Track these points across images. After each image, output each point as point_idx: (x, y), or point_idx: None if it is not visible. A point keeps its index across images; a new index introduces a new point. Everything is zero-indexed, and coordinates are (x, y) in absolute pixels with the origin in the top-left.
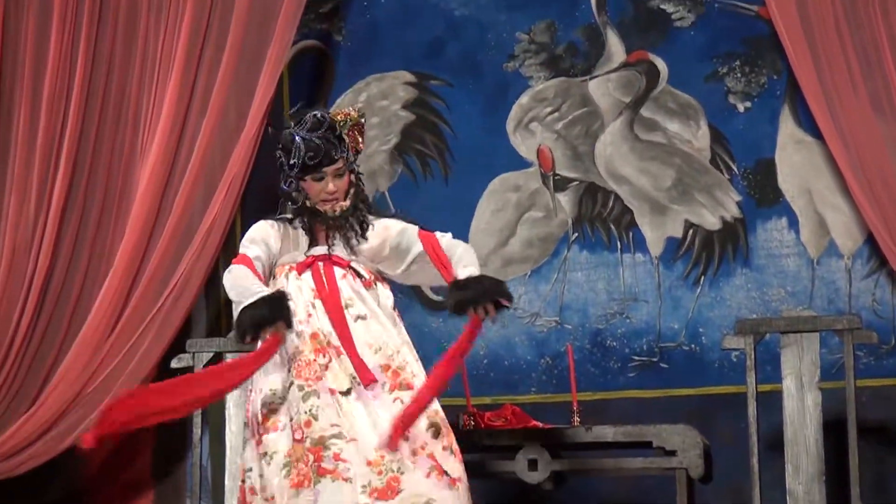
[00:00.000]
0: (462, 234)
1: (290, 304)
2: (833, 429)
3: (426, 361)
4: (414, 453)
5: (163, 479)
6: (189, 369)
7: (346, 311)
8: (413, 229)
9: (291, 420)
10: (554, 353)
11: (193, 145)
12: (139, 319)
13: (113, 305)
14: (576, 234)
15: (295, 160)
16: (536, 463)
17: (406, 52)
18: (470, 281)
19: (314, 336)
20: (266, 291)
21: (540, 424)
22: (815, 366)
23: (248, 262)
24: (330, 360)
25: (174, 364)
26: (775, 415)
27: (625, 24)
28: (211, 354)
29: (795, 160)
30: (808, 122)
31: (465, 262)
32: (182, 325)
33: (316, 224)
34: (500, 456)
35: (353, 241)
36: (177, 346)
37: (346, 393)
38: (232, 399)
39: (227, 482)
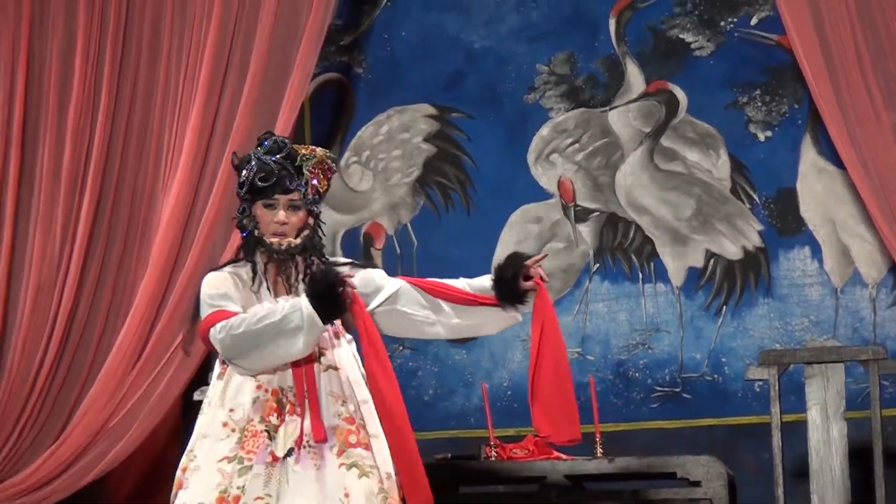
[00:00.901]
0: (484, 265)
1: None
2: (859, 459)
3: (451, 393)
4: None
5: None
6: None
7: (316, 363)
8: (377, 271)
9: (226, 493)
10: (576, 385)
11: (215, 178)
12: (162, 352)
13: (136, 339)
14: (597, 265)
15: (244, 179)
16: (559, 494)
17: (427, 84)
18: (500, 268)
19: (274, 393)
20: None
21: (563, 456)
22: (841, 396)
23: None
24: (281, 422)
25: (196, 396)
26: (799, 444)
27: (644, 55)
28: None
29: (818, 189)
30: (829, 151)
31: (466, 279)
32: (204, 357)
33: (265, 262)
34: (524, 487)
35: (294, 281)
36: (199, 379)
37: (287, 455)
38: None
39: None
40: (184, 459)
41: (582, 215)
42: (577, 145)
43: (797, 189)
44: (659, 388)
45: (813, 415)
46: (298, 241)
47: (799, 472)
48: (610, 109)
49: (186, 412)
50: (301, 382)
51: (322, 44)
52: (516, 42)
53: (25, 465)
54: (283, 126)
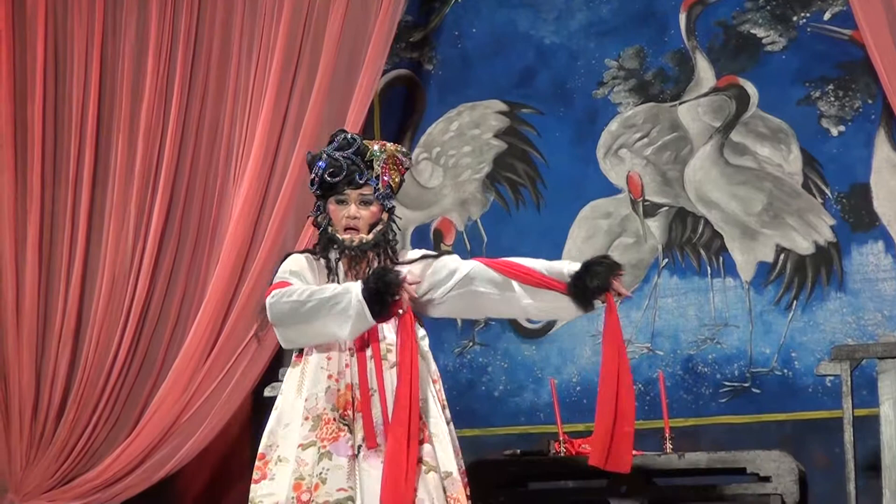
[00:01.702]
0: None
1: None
2: None
3: (520, 389)
4: None
5: None
6: None
7: (383, 361)
8: (451, 257)
9: (302, 479)
10: (646, 380)
11: (285, 174)
12: (233, 348)
13: (207, 334)
14: (666, 260)
15: (314, 175)
16: (629, 490)
17: (497, 80)
18: (586, 270)
19: (349, 388)
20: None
21: (632, 451)
22: None
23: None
24: (354, 418)
25: (267, 393)
26: (871, 439)
27: (714, 49)
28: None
29: (892, 184)
30: None
31: (546, 261)
32: (275, 353)
33: (341, 257)
34: (592, 483)
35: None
36: (270, 375)
37: (358, 451)
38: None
39: None
40: (262, 448)
41: (651, 210)
42: (645, 140)
43: (870, 184)
44: (728, 383)
45: (886, 410)
46: (370, 236)
47: (870, 468)
48: (679, 104)
49: (257, 409)
50: (366, 380)
51: (392, 41)
52: (586, 38)
53: (99, 461)
54: (352, 123)
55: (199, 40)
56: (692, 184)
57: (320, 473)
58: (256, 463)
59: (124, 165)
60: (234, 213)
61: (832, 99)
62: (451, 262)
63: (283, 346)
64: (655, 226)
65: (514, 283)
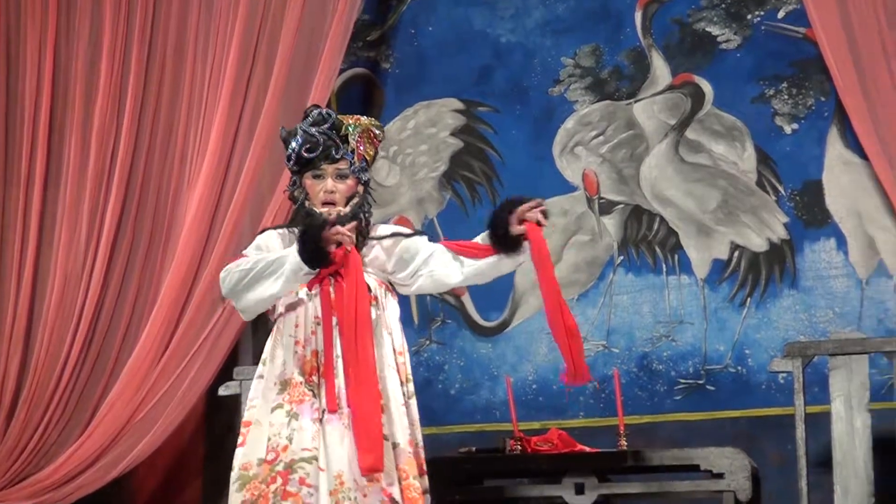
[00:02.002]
0: None
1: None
2: (882, 450)
3: (476, 387)
4: (370, 482)
5: None
6: (236, 397)
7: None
8: (421, 238)
9: (269, 440)
10: (601, 377)
11: (240, 174)
12: (187, 347)
13: (161, 334)
14: (621, 258)
15: (291, 152)
16: (583, 487)
17: (453, 79)
18: (496, 213)
19: (314, 354)
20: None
21: (587, 448)
22: (865, 388)
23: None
24: (319, 383)
25: (221, 392)
26: (823, 436)
27: (670, 47)
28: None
29: (844, 181)
30: (855, 144)
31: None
32: (229, 353)
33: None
34: (547, 480)
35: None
36: (224, 374)
37: (324, 413)
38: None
39: None
40: (245, 416)
41: (606, 208)
42: (601, 138)
43: (823, 181)
44: (683, 381)
45: (837, 406)
46: (347, 209)
47: (822, 464)
48: (635, 102)
49: (211, 408)
50: (331, 347)
51: (349, 39)
52: (542, 35)
53: (51, 461)
54: None
55: (153, 40)
56: (648, 181)
57: (288, 435)
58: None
59: (77, 166)
60: (189, 214)
61: (786, 97)
62: (418, 243)
63: (244, 318)
64: (611, 223)
65: (466, 260)
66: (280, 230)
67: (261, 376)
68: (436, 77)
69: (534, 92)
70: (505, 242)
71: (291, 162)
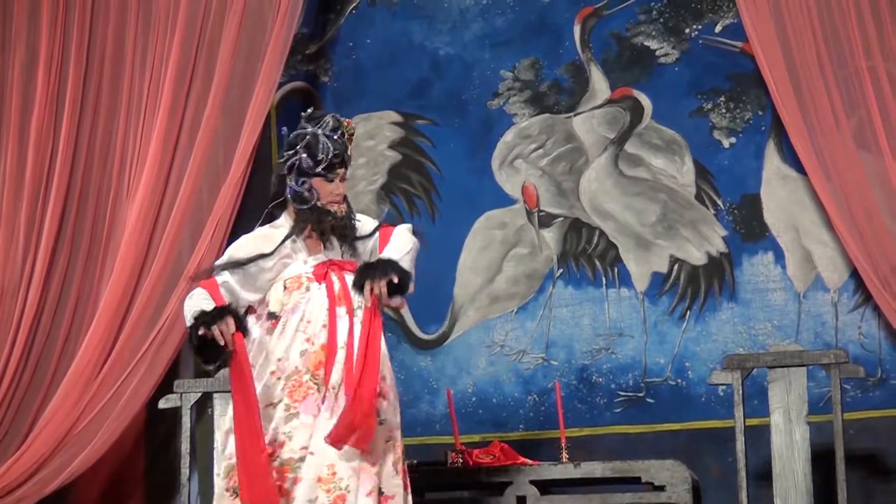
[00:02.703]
0: (449, 272)
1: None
2: (821, 462)
3: (416, 400)
4: (363, 469)
5: None
6: (176, 410)
7: (354, 317)
8: (373, 223)
9: (267, 435)
10: (541, 390)
11: (179, 186)
12: (127, 360)
13: (101, 346)
14: (561, 270)
15: (322, 157)
16: (525, 500)
17: (392, 92)
18: (376, 262)
19: (322, 347)
20: (211, 306)
21: (528, 461)
22: (803, 400)
23: (212, 286)
24: (327, 376)
25: (162, 404)
26: (763, 448)
27: (609, 62)
28: (199, 395)
29: (781, 195)
30: (792, 158)
31: (392, 247)
32: (169, 365)
33: (321, 225)
34: (489, 493)
35: (352, 244)
36: (164, 387)
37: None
38: (220, 438)
39: None
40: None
41: (546, 221)
42: (541, 151)
43: (761, 195)
44: (623, 393)
45: (776, 418)
46: (345, 206)
47: (762, 476)
48: (574, 115)
49: (152, 420)
50: (335, 337)
51: (288, 53)
52: (480, 48)
53: None
54: (248, 134)
55: (91, 50)
56: (587, 195)
57: (288, 432)
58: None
59: (14, 176)
60: (128, 225)
61: (724, 111)
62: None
63: None
64: (550, 236)
65: None
66: (254, 234)
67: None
68: (374, 90)
69: (472, 105)
70: (355, 283)
71: (320, 167)
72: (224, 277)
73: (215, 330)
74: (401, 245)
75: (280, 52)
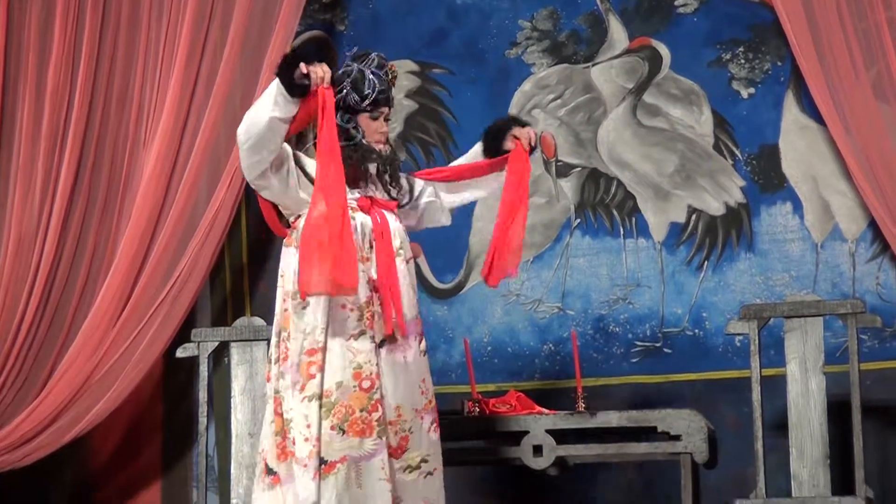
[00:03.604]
0: (465, 221)
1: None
2: (837, 412)
3: (432, 349)
4: (424, 408)
5: (170, 468)
6: (194, 359)
7: (396, 259)
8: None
9: (360, 367)
10: (557, 340)
11: (197, 135)
12: (144, 308)
13: (118, 295)
14: (578, 220)
15: (369, 92)
16: (541, 449)
17: (408, 40)
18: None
19: (369, 281)
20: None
21: (545, 410)
22: (819, 350)
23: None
24: (375, 310)
25: (179, 353)
26: (779, 399)
27: (627, 11)
28: (216, 344)
29: (799, 146)
30: (811, 108)
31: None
32: (187, 314)
33: (366, 163)
34: (505, 442)
35: (396, 185)
36: (182, 336)
37: (381, 345)
38: (237, 387)
39: (233, 471)
40: (310, 344)
41: (563, 170)
42: (559, 101)
43: (779, 145)
44: (640, 343)
45: (792, 368)
46: (389, 147)
47: (778, 426)
48: (593, 65)
49: (169, 369)
50: (385, 276)
51: (304, 1)
52: None
53: (7, 422)
54: (265, 83)
55: (108, 1)
56: (605, 145)
57: (378, 363)
58: (309, 359)
59: (31, 126)
60: (146, 174)
61: (742, 61)
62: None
63: (252, 171)
64: (568, 186)
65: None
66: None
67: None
68: (390, 38)
69: (490, 54)
70: (493, 150)
71: (366, 102)
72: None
73: (314, 69)
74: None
75: (297, 0)
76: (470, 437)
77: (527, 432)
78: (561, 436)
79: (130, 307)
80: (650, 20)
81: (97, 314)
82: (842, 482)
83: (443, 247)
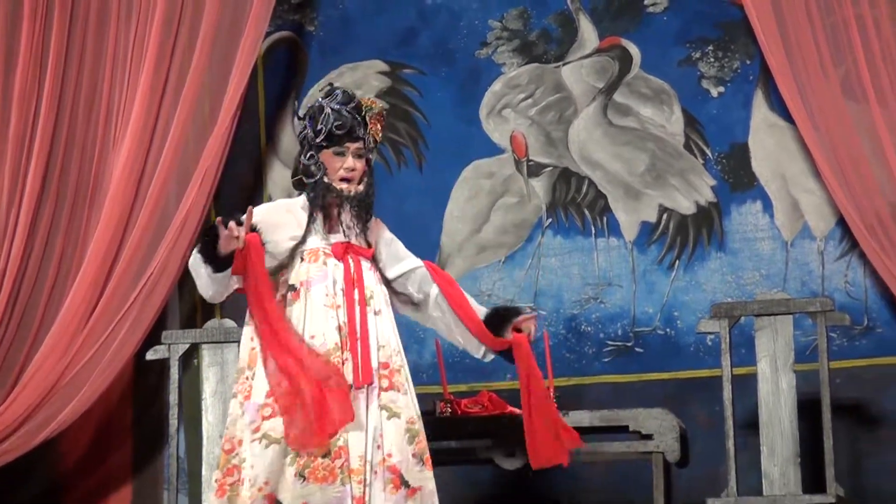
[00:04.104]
0: (436, 221)
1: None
2: (807, 411)
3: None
4: (381, 462)
5: (141, 471)
6: (164, 361)
7: (367, 307)
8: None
9: None
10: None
11: (166, 138)
12: (114, 311)
13: (87, 298)
14: (550, 220)
15: (322, 127)
16: (514, 449)
17: (378, 41)
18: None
19: (339, 329)
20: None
21: (517, 410)
22: (790, 348)
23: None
24: (346, 358)
25: (149, 356)
26: (750, 397)
27: (597, 10)
28: (187, 346)
29: (769, 144)
30: (780, 107)
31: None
32: (157, 317)
33: (329, 206)
34: (478, 443)
35: (363, 228)
36: (152, 338)
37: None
38: (209, 389)
39: (204, 473)
40: (257, 394)
41: (535, 170)
42: (529, 100)
43: (749, 144)
44: (611, 343)
45: (762, 366)
46: (361, 187)
47: (750, 425)
48: (563, 65)
49: (139, 372)
50: (354, 325)
51: (274, 2)
52: None
53: None
54: (235, 85)
55: (76, 1)
56: (576, 144)
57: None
58: (266, 401)
59: None
60: (115, 176)
61: (712, 59)
62: (409, 256)
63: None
64: (539, 186)
65: (447, 308)
66: (279, 203)
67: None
68: (360, 39)
69: (460, 54)
70: (495, 334)
71: (320, 138)
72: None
73: (228, 226)
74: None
75: (267, 1)
76: (442, 438)
77: (499, 432)
78: None
79: (100, 309)
80: (620, 19)
81: (66, 316)
82: (812, 480)
83: (413, 247)
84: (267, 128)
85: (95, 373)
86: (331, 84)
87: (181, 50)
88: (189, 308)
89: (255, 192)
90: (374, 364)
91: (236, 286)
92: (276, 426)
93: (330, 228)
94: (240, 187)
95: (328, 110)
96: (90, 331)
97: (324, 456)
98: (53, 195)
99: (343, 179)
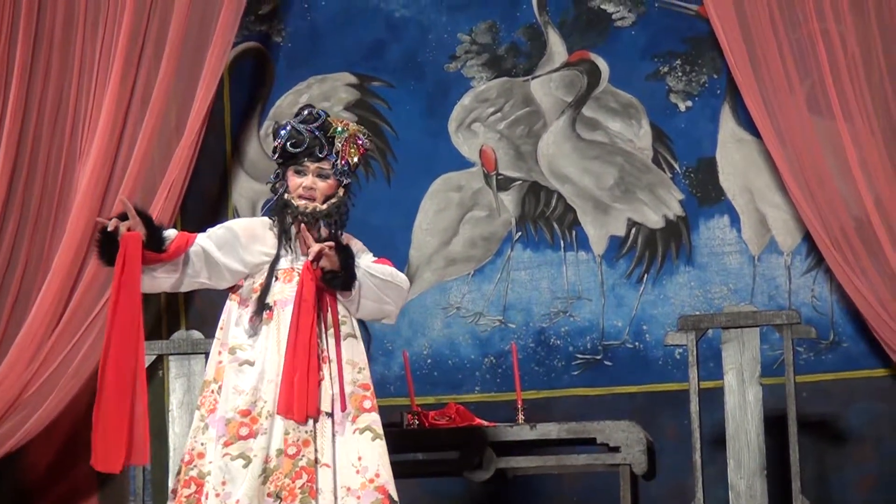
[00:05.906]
0: (405, 234)
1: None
2: (774, 424)
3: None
4: (363, 487)
5: (107, 483)
6: None
7: (340, 329)
8: (369, 256)
9: (288, 434)
10: (498, 352)
11: (132, 149)
12: (78, 324)
13: (52, 310)
14: (519, 233)
15: (276, 144)
16: (481, 461)
17: (347, 53)
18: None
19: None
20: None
21: (484, 423)
22: (756, 361)
23: (185, 240)
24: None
25: None
26: (718, 411)
27: (566, 25)
28: (152, 358)
29: (736, 158)
30: (747, 121)
31: (370, 260)
32: None
33: (287, 222)
34: (446, 455)
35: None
36: None
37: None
38: (175, 400)
39: (170, 484)
40: (245, 405)
41: (504, 184)
42: (499, 114)
43: (717, 158)
44: (580, 356)
45: (729, 379)
46: (324, 207)
47: (716, 439)
48: (532, 79)
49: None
50: (325, 351)
51: (241, 13)
52: (437, 11)
53: None
54: (202, 96)
55: (42, 14)
56: (545, 158)
57: (311, 431)
58: (241, 419)
59: None
60: (80, 189)
61: (679, 74)
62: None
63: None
64: (508, 199)
65: None
66: (258, 220)
67: (262, 363)
68: (329, 51)
69: (429, 67)
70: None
71: (276, 155)
72: (205, 242)
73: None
74: (381, 268)
75: (234, 12)
76: (409, 450)
77: (467, 445)
78: (501, 448)
79: (65, 322)
80: (588, 33)
81: (32, 327)
82: (779, 493)
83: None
84: (233, 139)
85: (61, 383)
86: (308, 105)
87: (147, 61)
88: (154, 319)
89: (220, 204)
90: (348, 390)
91: (205, 279)
92: (253, 446)
93: (303, 249)
94: (205, 199)
95: (288, 128)
96: (55, 341)
97: (285, 476)
98: (18, 207)
99: (302, 197)
